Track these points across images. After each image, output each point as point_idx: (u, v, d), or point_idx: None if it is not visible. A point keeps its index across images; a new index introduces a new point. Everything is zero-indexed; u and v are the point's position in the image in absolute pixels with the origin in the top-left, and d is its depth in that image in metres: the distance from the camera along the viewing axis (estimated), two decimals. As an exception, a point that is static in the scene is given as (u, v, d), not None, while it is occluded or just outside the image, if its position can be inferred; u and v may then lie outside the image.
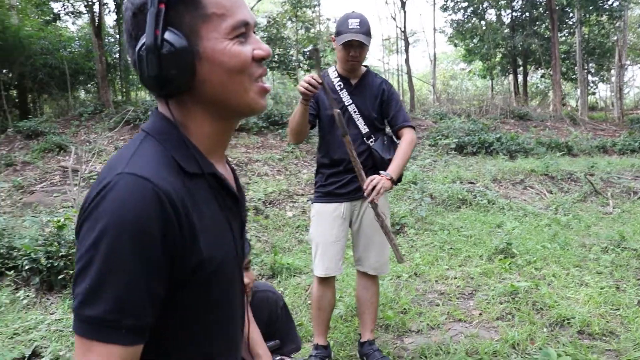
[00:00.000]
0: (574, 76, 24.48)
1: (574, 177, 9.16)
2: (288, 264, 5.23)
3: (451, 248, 5.75)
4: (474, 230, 6.29)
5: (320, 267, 3.31)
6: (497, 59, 25.56)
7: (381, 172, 3.08)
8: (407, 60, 19.92)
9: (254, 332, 1.48)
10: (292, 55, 19.59)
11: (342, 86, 3.25)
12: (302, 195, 7.66)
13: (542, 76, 27.35)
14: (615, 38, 23.29)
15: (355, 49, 3.10)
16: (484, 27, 24.38)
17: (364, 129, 3.26)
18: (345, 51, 3.13)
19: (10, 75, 13.85)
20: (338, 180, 3.27)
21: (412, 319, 4.06)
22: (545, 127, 16.29)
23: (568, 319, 3.92)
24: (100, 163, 9.04)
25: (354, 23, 3.06)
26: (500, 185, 8.47)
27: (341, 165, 3.22)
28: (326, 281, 3.35)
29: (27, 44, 13.11)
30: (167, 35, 0.95)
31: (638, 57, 30.59)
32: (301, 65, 19.41)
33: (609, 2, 20.39)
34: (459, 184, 8.39)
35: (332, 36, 3.23)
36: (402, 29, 19.99)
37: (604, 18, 21.67)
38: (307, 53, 3.48)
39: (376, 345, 3.46)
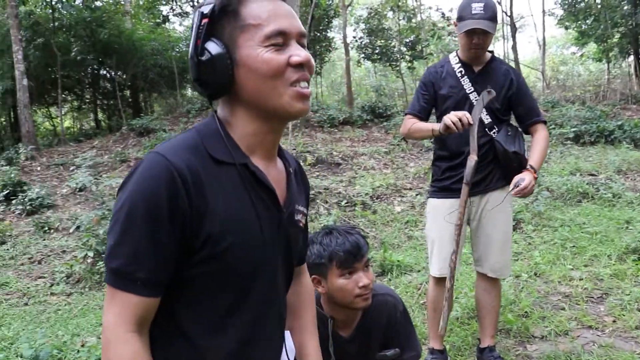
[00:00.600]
0: None
1: None
2: (398, 261, 5.07)
3: (574, 246, 5.31)
4: (599, 227, 5.77)
5: (436, 266, 3.13)
6: (615, 40, 23.74)
7: (529, 164, 2.91)
8: (514, 47, 18.97)
9: (309, 341, 1.46)
10: (394, 47, 19.26)
11: (463, 72, 3.02)
12: (410, 189, 7.45)
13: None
14: None
15: (478, 36, 2.88)
16: (599, 6, 22.73)
17: (486, 119, 3.02)
18: (467, 38, 2.92)
19: (125, 76, 14.65)
20: (455, 175, 3.05)
21: (535, 323, 3.76)
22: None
23: None
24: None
25: (477, 8, 2.83)
26: (626, 177, 7.78)
27: (460, 157, 3.00)
28: (442, 281, 3.15)
29: (140, 46, 13.84)
30: (208, 45, 1.09)
31: None
32: (404, 55, 19.04)
33: None
34: (579, 176, 7.79)
35: (454, 21, 3.03)
36: (509, 14, 19.05)
37: None
38: (482, 95, 3.35)
39: (497, 352, 3.22)
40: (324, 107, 13.87)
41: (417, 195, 7.13)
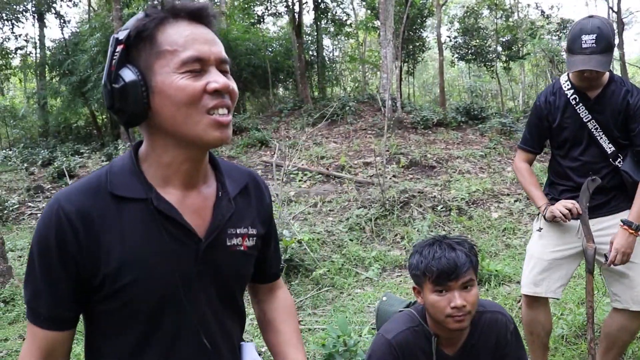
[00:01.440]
0: None
1: None
2: (496, 270, 4.90)
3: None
4: None
5: (528, 284, 2.90)
6: None
7: (624, 221, 2.63)
8: (620, 45, 17.92)
9: (296, 354, 1.38)
10: (489, 47, 18.75)
11: (577, 100, 2.77)
12: (508, 195, 7.20)
13: None
14: None
15: (590, 72, 2.61)
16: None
17: (609, 148, 2.75)
18: (578, 73, 2.67)
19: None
20: (575, 197, 2.82)
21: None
22: None
23: None
24: (298, 158, 9.38)
25: (588, 41, 2.56)
26: None
27: (579, 189, 2.80)
28: (534, 301, 2.92)
29: (234, 46, 14.18)
30: (122, 72, 1.06)
31: None
32: (499, 55, 18.49)
33: None
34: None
35: (565, 48, 2.80)
36: (615, 10, 18.03)
37: None
38: (586, 183, 3.20)
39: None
40: (417, 108, 13.71)
41: (515, 201, 6.87)
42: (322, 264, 5.36)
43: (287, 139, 10.93)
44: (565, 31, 16.77)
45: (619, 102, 2.71)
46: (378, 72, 19.47)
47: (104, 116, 17.93)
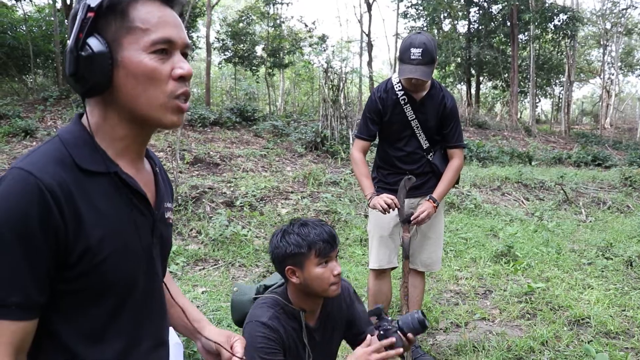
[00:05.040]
0: (524, 89, 25.43)
1: (546, 186, 9.55)
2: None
3: (452, 249, 5.90)
4: (471, 233, 6.47)
5: (375, 260, 3.38)
6: (452, 68, 26.23)
7: (429, 197, 3.28)
8: (369, 63, 20.17)
9: (189, 303, 1.52)
10: (256, 52, 19.48)
11: (405, 101, 3.26)
12: (292, 192, 7.64)
13: (494, 87, 28.22)
14: (564, 55, 24.31)
15: (417, 79, 3.09)
16: (440, 37, 24.94)
17: (425, 144, 3.35)
18: (406, 79, 3.15)
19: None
20: (397, 180, 3.32)
21: (437, 317, 4.16)
22: (503, 137, 16.88)
23: (584, 319, 4.12)
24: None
25: (416, 53, 3.02)
26: (480, 191, 8.73)
27: (404, 174, 3.27)
28: (381, 274, 3.41)
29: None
30: (90, 40, 1.04)
31: (581, 74, 32.09)
32: (265, 61, 19.31)
33: (560, 19, 21.31)
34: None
35: (397, 57, 3.28)
36: (367, 33, 20.22)
37: (557, 35, 22.59)
38: (403, 181, 3.56)
39: (417, 342, 3.54)
40: (192, 106, 13.63)
41: (302, 198, 7.36)
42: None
43: (55, 130, 10.01)
44: (324, 45, 18.26)
45: (438, 105, 3.27)
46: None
47: None
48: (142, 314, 1.19)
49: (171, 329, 1.45)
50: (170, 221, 1.32)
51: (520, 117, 25.95)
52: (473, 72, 25.86)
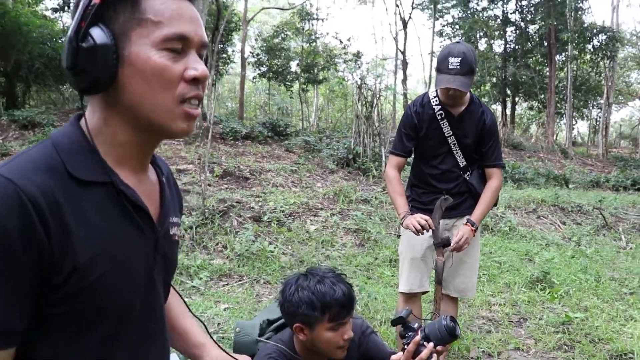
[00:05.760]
0: (561, 110, 24.96)
1: (584, 210, 9.22)
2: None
3: (485, 273, 5.68)
4: (505, 257, 6.23)
5: (405, 283, 3.22)
6: (487, 88, 25.93)
7: (467, 219, 3.11)
8: (404, 81, 20.04)
9: (194, 326, 1.39)
10: (290, 67, 19.55)
11: (442, 116, 3.12)
12: (322, 209, 7.52)
13: (530, 108, 27.78)
14: (603, 76, 23.83)
15: (454, 90, 2.96)
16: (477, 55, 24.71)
17: (462, 162, 3.18)
18: (444, 90, 3.01)
19: (3, 62, 13.41)
20: (432, 200, 3.17)
21: (469, 345, 3.96)
22: (539, 158, 16.51)
23: (626, 354, 3.87)
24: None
25: (454, 62, 2.88)
26: (515, 214, 8.46)
27: (439, 194, 3.13)
28: (412, 299, 3.24)
29: (26, 31, 12.75)
30: (93, 30, 0.92)
31: (619, 96, 31.41)
32: (299, 77, 19.35)
33: (600, 40, 20.89)
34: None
35: (435, 68, 3.13)
36: (402, 50, 20.12)
37: (596, 56, 22.16)
38: (439, 201, 3.51)
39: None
40: (223, 120, 13.69)
41: (332, 215, 7.22)
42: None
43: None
44: (359, 62, 18.22)
45: (476, 121, 3.11)
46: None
47: None
48: (139, 342, 1.05)
49: (174, 354, 1.32)
50: (177, 238, 1.18)
51: (556, 139, 25.48)
52: (509, 92, 25.49)
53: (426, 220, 2.93)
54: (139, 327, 1.04)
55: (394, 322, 2.03)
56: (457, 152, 3.17)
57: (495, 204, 3.36)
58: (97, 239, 0.94)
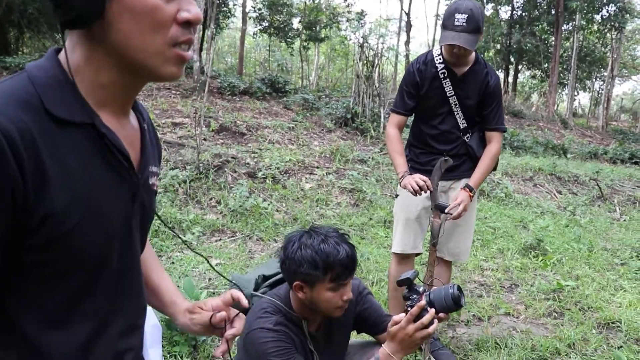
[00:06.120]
0: (563, 80, 24.73)
1: (580, 180, 9.19)
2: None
3: (479, 238, 5.66)
4: (500, 223, 6.22)
5: (399, 243, 3.18)
6: (491, 54, 25.58)
7: (466, 185, 3.02)
8: (407, 42, 19.76)
9: (165, 281, 1.32)
10: (292, 24, 19.21)
11: (445, 75, 3.02)
12: (318, 167, 7.46)
13: (532, 77, 27.52)
14: (609, 48, 23.55)
15: (459, 48, 2.85)
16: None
17: (462, 124, 3.10)
18: (449, 48, 2.91)
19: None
20: (430, 160, 3.11)
21: (458, 308, 3.96)
22: (538, 127, 16.42)
23: (614, 322, 3.88)
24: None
25: (460, 19, 2.77)
26: (512, 180, 8.43)
27: (438, 155, 3.06)
28: (404, 258, 3.21)
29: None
30: None
31: (623, 70, 31.10)
32: (300, 34, 19.03)
33: (609, 11, 20.54)
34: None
35: (441, 24, 3.01)
36: (406, 12, 19.78)
37: (604, 27, 21.83)
38: (439, 163, 3.36)
39: (436, 335, 3.34)
40: (221, 74, 13.48)
41: (328, 174, 7.16)
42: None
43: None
44: (362, 21, 17.88)
45: (480, 82, 3.02)
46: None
47: None
48: (115, 294, 1.00)
49: (150, 309, 1.27)
50: (155, 188, 1.11)
51: (557, 109, 25.31)
52: (512, 59, 25.18)
53: (424, 181, 2.87)
54: (115, 279, 0.99)
55: (400, 283, 1.98)
56: (457, 113, 3.09)
57: (495, 169, 3.30)
58: (75, 183, 0.87)
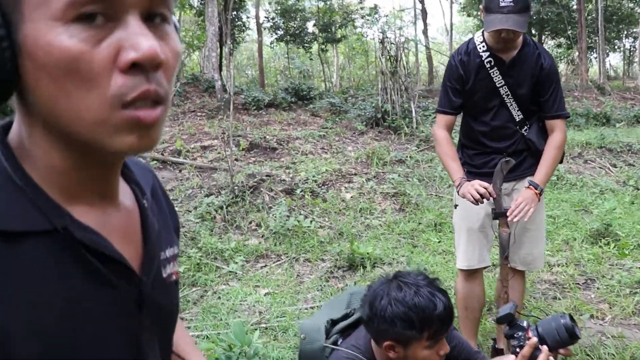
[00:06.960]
0: (591, 44, 23.87)
1: (634, 149, 8.63)
2: (368, 253, 4.74)
3: (540, 230, 5.27)
4: (558, 210, 5.80)
5: (464, 258, 2.85)
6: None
7: (529, 182, 2.67)
8: (424, 31, 19.31)
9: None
10: (307, 28, 18.98)
11: (492, 63, 2.68)
12: (356, 174, 7.17)
13: (558, 46, 26.66)
14: (636, 2, 22.64)
15: (507, 32, 2.51)
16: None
17: (518, 115, 2.75)
18: (495, 33, 2.57)
19: None
20: (486, 162, 2.78)
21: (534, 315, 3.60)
22: (574, 98, 15.77)
23: None
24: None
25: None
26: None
27: (496, 154, 2.74)
28: (471, 275, 2.88)
29: None
30: None
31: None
32: (317, 38, 18.78)
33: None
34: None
35: (482, 8, 2.67)
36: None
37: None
38: (499, 165, 3.10)
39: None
40: (243, 89, 13.30)
41: (367, 180, 6.85)
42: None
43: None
44: (377, 16, 17.55)
45: (532, 66, 2.69)
46: (193, 53, 18.66)
47: None
48: None
49: None
50: (175, 277, 0.84)
51: (588, 75, 24.44)
52: (534, 31, 24.40)
53: (486, 188, 2.53)
54: None
55: (500, 320, 1.73)
56: (511, 105, 2.75)
57: (561, 161, 2.94)
58: (44, 320, 0.60)
